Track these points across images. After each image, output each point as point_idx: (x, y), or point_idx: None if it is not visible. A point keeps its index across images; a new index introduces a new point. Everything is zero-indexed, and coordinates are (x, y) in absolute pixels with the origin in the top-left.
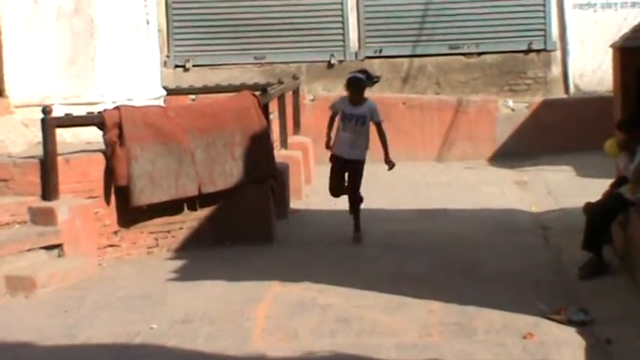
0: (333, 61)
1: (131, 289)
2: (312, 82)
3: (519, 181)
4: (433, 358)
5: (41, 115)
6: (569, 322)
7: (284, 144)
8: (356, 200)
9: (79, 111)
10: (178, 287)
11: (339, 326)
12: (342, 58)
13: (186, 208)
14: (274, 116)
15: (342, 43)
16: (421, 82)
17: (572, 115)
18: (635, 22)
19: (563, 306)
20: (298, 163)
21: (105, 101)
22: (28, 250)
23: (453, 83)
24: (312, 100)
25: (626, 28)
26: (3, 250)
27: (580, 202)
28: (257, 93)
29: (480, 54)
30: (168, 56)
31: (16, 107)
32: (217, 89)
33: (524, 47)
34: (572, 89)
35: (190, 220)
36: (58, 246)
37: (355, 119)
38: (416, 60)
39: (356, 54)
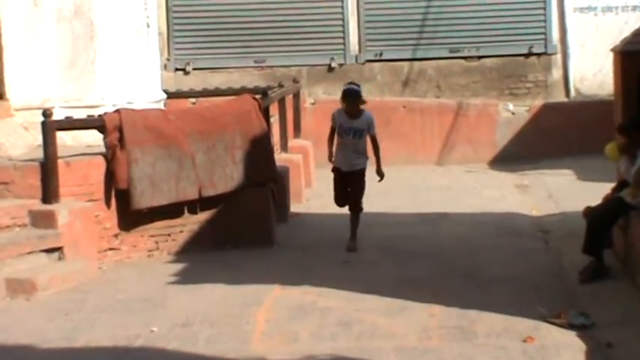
0: (333, 65)
1: (131, 292)
2: (313, 85)
3: (520, 185)
4: None
5: (41, 118)
6: (570, 326)
7: (284, 147)
8: (356, 208)
9: (80, 114)
10: (179, 290)
11: (339, 330)
12: (343, 62)
13: (186, 211)
14: (275, 120)
15: (342, 47)
16: (421, 86)
17: (573, 118)
18: (636, 26)
19: (564, 310)
20: (299, 167)
21: (105, 104)
22: (29, 253)
23: (454, 87)
24: (313, 104)
25: (626, 32)
26: (3, 252)
27: (580, 205)
28: (257, 96)
29: (480, 57)
30: (168, 59)
31: (17, 110)
32: (218, 92)
33: (525, 51)
34: (572, 93)
35: (191, 223)
36: (59, 249)
37: (353, 132)
38: (416, 63)
39: (356, 57)
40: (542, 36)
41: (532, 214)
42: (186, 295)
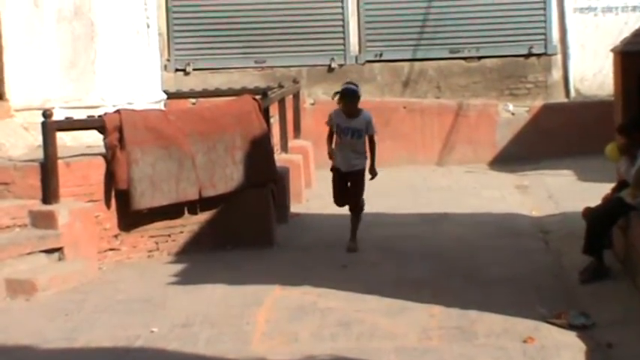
0: (333, 65)
1: (131, 292)
2: (313, 85)
3: (520, 185)
4: None
5: (42, 119)
6: (570, 326)
7: (284, 148)
8: (357, 208)
9: (80, 114)
10: (179, 291)
11: (339, 330)
12: (343, 62)
13: (186, 211)
14: (275, 120)
15: (342, 47)
16: (422, 86)
17: (573, 119)
18: (636, 26)
19: (564, 310)
20: (298, 167)
21: (105, 105)
22: (29, 254)
23: (454, 87)
24: (313, 104)
25: (626, 32)
26: (3, 253)
27: (581, 206)
28: (257, 97)
29: (480, 58)
30: (168, 60)
31: (17, 111)
32: (218, 93)
33: (525, 51)
34: (572, 93)
35: (191, 223)
36: (59, 249)
37: (351, 133)
38: (416, 64)
39: (356, 58)
40: (542, 36)
41: (532, 214)
42: (186, 295)
